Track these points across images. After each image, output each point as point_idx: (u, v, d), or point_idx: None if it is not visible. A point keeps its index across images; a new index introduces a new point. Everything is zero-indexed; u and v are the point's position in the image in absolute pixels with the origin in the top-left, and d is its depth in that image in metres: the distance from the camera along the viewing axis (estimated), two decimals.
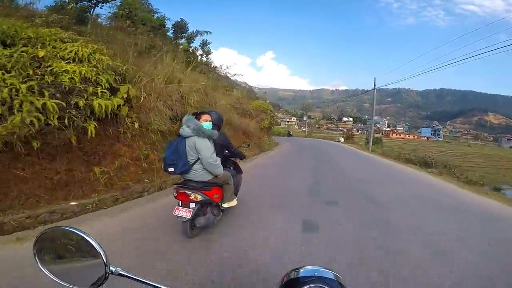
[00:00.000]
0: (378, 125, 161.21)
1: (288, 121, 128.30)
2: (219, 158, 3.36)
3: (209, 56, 19.03)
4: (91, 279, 0.76)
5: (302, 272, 0.79)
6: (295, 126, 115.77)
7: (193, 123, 3.15)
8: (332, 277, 0.76)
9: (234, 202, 3.77)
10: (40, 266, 0.78)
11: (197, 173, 3.25)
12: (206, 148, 3.15)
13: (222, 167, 3.36)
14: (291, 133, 46.07)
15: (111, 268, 0.75)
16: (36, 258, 0.79)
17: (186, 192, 3.20)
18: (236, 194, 4.02)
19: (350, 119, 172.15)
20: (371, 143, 25.41)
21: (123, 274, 0.76)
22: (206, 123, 3.30)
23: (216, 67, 18.04)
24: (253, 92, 25.59)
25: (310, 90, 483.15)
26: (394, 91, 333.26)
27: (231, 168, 4.21)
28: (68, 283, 0.77)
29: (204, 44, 18.62)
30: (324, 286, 0.71)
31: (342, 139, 36.54)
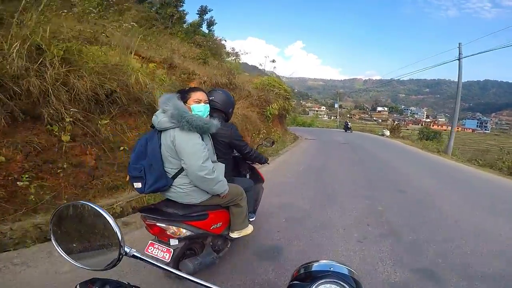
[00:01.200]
0: (416, 116, 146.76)
1: (317, 110, 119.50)
2: (221, 166, 2.07)
3: (211, 27, 18.63)
4: (105, 260, 0.72)
5: (316, 266, 0.75)
6: (324, 116, 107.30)
7: (172, 104, 1.78)
8: (346, 272, 0.72)
9: (249, 229, 2.32)
10: (55, 244, 0.73)
11: (182, 192, 1.90)
12: (192, 151, 1.79)
13: (225, 181, 1.99)
14: (349, 126, 27.57)
15: (125, 249, 0.70)
16: (52, 234, 0.74)
17: (159, 226, 1.87)
18: (254, 212, 2.77)
19: (386, 108, 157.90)
20: (451, 145, 14.44)
21: (137, 256, 0.71)
22: (198, 106, 1.95)
23: (217, 38, 17.35)
24: (264, 73, 18.76)
25: (341, 80, 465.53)
26: (433, 82, 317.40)
27: (247, 175, 2.87)
28: (82, 263, 0.73)
29: (210, 22, 18.77)
30: (340, 282, 0.66)
31: (387, 132, 25.63)
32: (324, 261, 0.76)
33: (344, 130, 26.98)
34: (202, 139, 1.84)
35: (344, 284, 0.65)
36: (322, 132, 24.84)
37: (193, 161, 1.75)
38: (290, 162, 7.93)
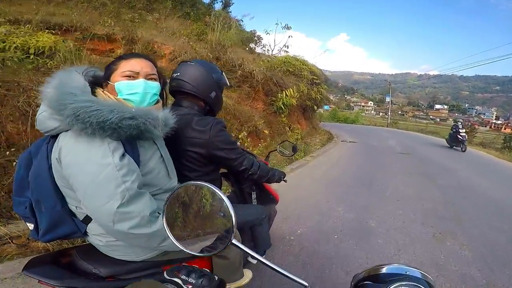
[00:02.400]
0: (482, 116, 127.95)
1: (363, 105, 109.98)
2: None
3: (228, 8, 15.58)
4: (214, 246, 0.71)
5: (389, 269, 0.74)
6: (372, 112, 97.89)
7: (53, 82, 0.88)
8: (420, 276, 0.72)
9: (244, 279, 1.52)
10: (166, 230, 0.70)
11: (103, 246, 1.01)
12: (90, 180, 0.85)
13: (165, 235, 0.77)
14: (462, 134, 11.28)
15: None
16: (164, 219, 0.70)
17: None
18: (264, 251, 1.87)
19: (445, 106, 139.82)
20: None
21: (236, 244, 0.69)
22: (130, 83, 1.02)
23: (234, 19, 12.15)
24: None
25: (392, 74, 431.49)
26: (506, 79, 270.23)
27: (253, 197, 1.86)
28: (191, 249, 0.70)
29: (226, 3, 15.95)
30: (416, 284, 0.67)
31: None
32: (396, 264, 0.75)
33: (448, 146, 12.05)
34: (128, 150, 0.90)
35: (421, 286, 0.66)
36: (367, 131, 18.36)
37: (96, 201, 0.84)
38: (300, 197, 3.93)
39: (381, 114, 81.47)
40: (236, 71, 6.05)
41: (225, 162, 1.40)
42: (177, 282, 0.64)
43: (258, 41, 11.57)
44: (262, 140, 5.60)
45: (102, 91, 1.00)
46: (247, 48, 9.86)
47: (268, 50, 10.04)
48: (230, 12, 15.53)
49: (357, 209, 3.72)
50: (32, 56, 3.73)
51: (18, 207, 1.01)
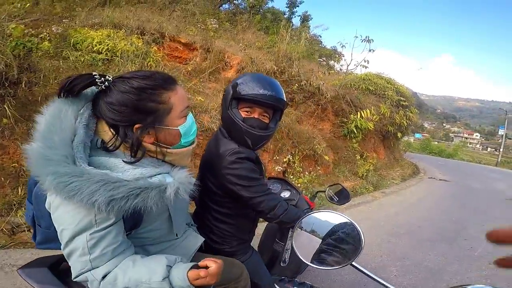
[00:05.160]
0: None
1: (466, 137, 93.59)
2: (194, 241, 1.08)
3: (306, 22, 15.98)
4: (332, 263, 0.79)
5: None
6: (477, 146, 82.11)
7: (43, 123, 0.73)
8: None
9: None
10: (295, 249, 0.81)
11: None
12: (63, 241, 0.75)
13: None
14: None
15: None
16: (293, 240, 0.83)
17: None
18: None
19: None
20: None
21: (357, 267, 0.76)
22: (192, 119, 0.91)
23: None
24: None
25: (509, 102, 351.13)
26: None
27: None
28: (316, 264, 0.80)
29: (305, 17, 16.76)
30: None
31: None
32: (481, 285, 0.78)
33: None
34: (125, 216, 0.78)
35: None
36: (468, 168, 14.80)
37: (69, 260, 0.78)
38: None
39: (489, 149, 67.61)
40: (301, 86, 5.56)
41: (231, 193, 1.16)
42: None
43: (339, 57, 10.78)
44: (319, 167, 4.91)
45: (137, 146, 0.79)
46: (324, 63, 9.26)
47: (342, 65, 9.23)
48: (309, 26, 15.36)
49: (420, 273, 2.74)
50: (117, 59, 4.17)
51: (27, 212, 0.99)
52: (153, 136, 0.79)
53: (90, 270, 0.74)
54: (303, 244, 0.78)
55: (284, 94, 1.15)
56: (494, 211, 5.52)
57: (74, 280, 0.76)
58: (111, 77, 0.76)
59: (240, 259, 1.22)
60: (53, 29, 4.22)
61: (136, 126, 0.76)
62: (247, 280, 1.15)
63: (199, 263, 0.78)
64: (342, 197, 1.66)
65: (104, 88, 0.74)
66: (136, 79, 0.76)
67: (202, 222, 1.23)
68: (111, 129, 0.76)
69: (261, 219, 1.32)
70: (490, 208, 5.75)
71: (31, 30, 3.97)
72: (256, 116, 1.13)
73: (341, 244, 0.77)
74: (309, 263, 0.75)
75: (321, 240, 0.78)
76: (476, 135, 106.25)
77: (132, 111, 0.75)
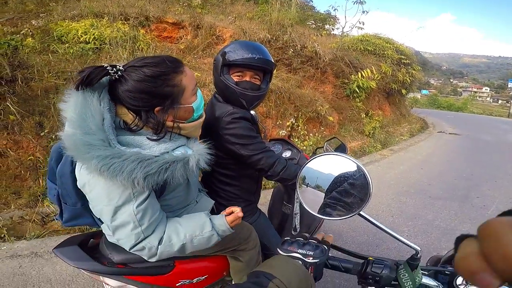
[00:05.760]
0: None
1: (475, 91, 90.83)
2: (205, 204, 1.16)
3: None
4: (341, 213, 0.74)
5: None
6: (488, 99, 79.88)
7: (72, 111, 0.79)
8: None
9: None
10: (301, 200, 0.77)
11: (116, 242, 0.96)
12: (106, 219, 0.87)
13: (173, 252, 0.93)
14: None
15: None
16: (298, 189, 0.77)
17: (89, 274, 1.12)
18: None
19: None
20: None
21: (365, 217, 0.71)
22: (201, 96, 1.03)
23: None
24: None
25: None
26: None
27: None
28: (321, 214, 0.76)
29: None
30: None
31: None
32: None
33: None
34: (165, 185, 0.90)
35: None
36: (478, 121, 14.39)
37: (115, 235, 0.89)
38: None
39: (500, 102, 65.60)
40: (296, 51, 5.43)
41: (229, 152, 1.23)
42: (298, 257, 0.63)
43: (334, 21, 10.34)
44: (323, 128, 4.86)
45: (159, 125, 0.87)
46: (314, 26, 8.98)
47: (337, 29, 8.91)
48: None
49: (432, 233, 2.73)
50: (106, 47, 4.12)
51: (49, 191, 1.05)
52: (172, 115, 0.87)
53: (144, 240, 0.86)
54: (310, 200, 0.78)
55: (271, 57, 1.21)
56: (506, 165, 5.41)
57: (130, 251, 0.87)
58: (121, 66, 0.81)
59: (248, 220, 1.29)
60: (33, 22, 4.18)
61: (157, 109, 0.84)
62: (256, 240, 1.24)
63: (224, 211, 0.98)
64: (339, 150, 1.68)
65: (117, 77, 0.80)
66: (148, 67, 0.81)
67: (209, 187, 1.31)
68: (131, 112, 0.84)
69: (268, 186, 1.35)
70: (502, 163, 5.63)
71: (9, 27, 3.95)
72: (247, 79, 1.20)
73: (348, 194, 0.76)
74: (316, 214, 0.76)
75: (324, 194, 0.78)
76: (485, 89, 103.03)
77: (150, 97, 0.82)
